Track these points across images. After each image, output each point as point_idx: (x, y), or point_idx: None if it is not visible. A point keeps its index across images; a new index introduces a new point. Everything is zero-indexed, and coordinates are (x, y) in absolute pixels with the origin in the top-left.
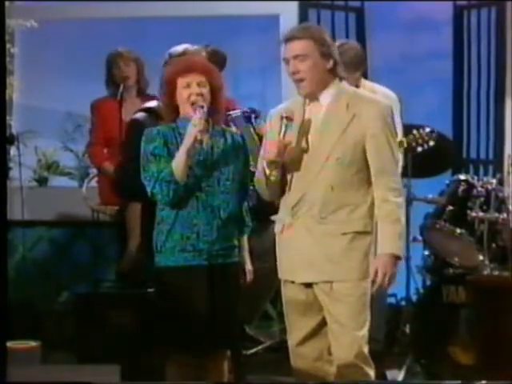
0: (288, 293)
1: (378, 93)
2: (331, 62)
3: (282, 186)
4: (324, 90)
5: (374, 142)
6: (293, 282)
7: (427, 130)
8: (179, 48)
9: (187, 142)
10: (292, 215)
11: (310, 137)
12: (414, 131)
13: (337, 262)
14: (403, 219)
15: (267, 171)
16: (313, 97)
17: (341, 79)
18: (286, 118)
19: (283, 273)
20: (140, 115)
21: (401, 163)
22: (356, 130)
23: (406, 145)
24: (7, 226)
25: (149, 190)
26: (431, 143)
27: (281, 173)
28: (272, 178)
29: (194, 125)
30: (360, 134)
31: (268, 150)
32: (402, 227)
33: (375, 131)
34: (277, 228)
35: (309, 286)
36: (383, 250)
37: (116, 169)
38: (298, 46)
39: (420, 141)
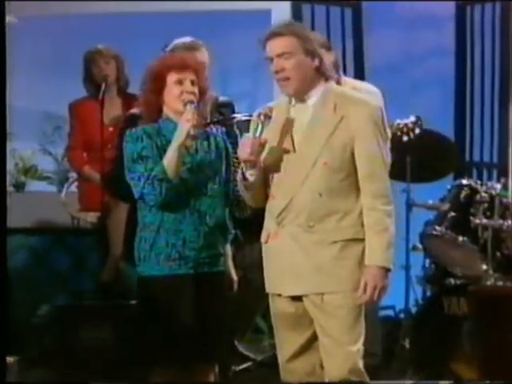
0: (276, 306)
1: (360, 90)
2: (317, 61)
3: (265, 191)
4: (311, 91)
5: (362, 145)
6: (280, 295)
7: (412, 118)
8: (185, 40)
9: (180, 137)
10: (277, 223)
11: (295, 139)
12: (398, 120)
13: (327, 273)
14: (392, 228)
15: (244, 170)
16: (298, 97)
17: (327, 79)
18: (264, 115)
19: (270, 286)
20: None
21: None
22: (344, 133)
23: (390, 136)
24: (6, 232)
25: (137, 191)
26: (417, 131)
27: (260, 174)
28: (250, 178)
29: (187, 120)
30: (348, 136)
31: (241, 149)
32: (390, 236)
33: (364, 134)
34: (262, 237)
35: (298, 298)
36: (371, 262)
37: (111, 164)
38: (282, 43)
39: (405, 129)
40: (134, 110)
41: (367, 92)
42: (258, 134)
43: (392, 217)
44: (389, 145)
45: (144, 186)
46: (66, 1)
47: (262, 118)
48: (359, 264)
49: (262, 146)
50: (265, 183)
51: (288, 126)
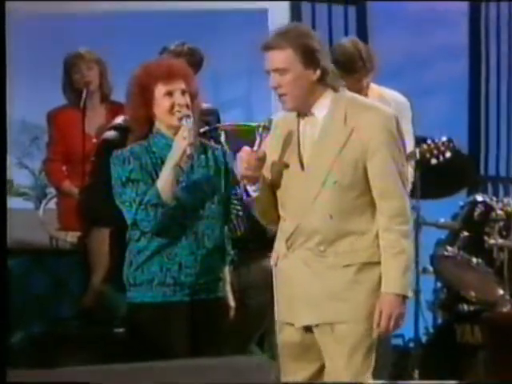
0: (284, 335)
1: (386, 97)
2: (318, 72)
3: (276, 209)
4: (316, 102)
5: (376, 159)
6: (290, 324)
7: (443, 139)
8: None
9: (175, 156)
10: (287, 247)
11: (304, 156)
12: (429, 141)
13: (340, 300)
14: (410, 250)
15: (246, 186)
16: (303, 110)
17: (334, 89)
18: (263, 127)
19: (280, 314)
20: (111, 134)
21: (411, 179)
22: (356, 146)
23: (418, 157)
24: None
25: (129, 217)
26: (448, 154)
27: (264, 190)
28: (253, 194)
29: (183, 137)
30: (360, 150)
31: (237, 163)
32: (407, 260)
33: (377, 147)
34: (272, 259)
35: (307, 327)
36: (386, 289)
37: (83, 191)
38: (276, 58)
39: (435, 151)
40: (110, 133)
41: (394, 101)
42: (255, 148)
43: (409, 238)
44: (411, 169)
45: (137, 211)
46: (44, 0)
47: (260, 130)
48: (375, 289)
49: (261, 160)
50: (274, 201)
51: (295, 141)
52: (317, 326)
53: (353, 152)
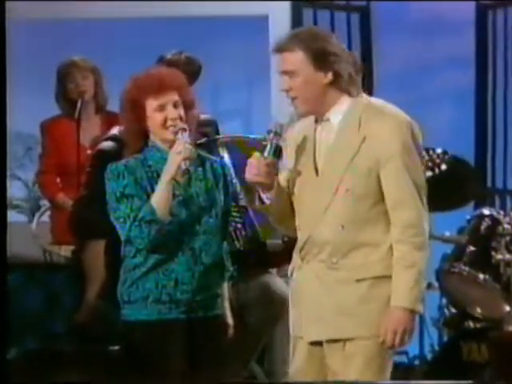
0: (298, 350)
1: None
2: (330, 75)
3: (292, 217)
4: (332, 108)
5: (388, 168)
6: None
7: (438, 151)
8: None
9: (170, 171)
10: (301, 258)
11: (319, 164)
12: (423, 153)
13: (351, 315)
14: (423, 263)
15: (260, 193)
16: (317, 115)
17: (350, 94)
18: (274, 133)
19: (293, 327)
20: (106, 144)
21: None
22: (369, 154)
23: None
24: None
25: (123, 233)
26: (443, 167)
27: (278, 198)
28: (267, 201)
29: (177, 152)
30: (374, 158)
31: (247, 170)
32: (418, 273)
33: (390, 155)
34: (289, 270)
35: (318, 342)
36: (395, 303)
37: (77, 203)
38: (286, 60)
39: (430, 164)
40: (106, 144)
41: None
42: (266, 154)
43: (423, 250)
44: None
45: (131, 228)
46: (40, 0)
47: (272, 136)
48: (388, 304)
49: (270, 166)
50: (291, 208)
51: (311, 148)
52: (327, 341)
53: (366, 160)
